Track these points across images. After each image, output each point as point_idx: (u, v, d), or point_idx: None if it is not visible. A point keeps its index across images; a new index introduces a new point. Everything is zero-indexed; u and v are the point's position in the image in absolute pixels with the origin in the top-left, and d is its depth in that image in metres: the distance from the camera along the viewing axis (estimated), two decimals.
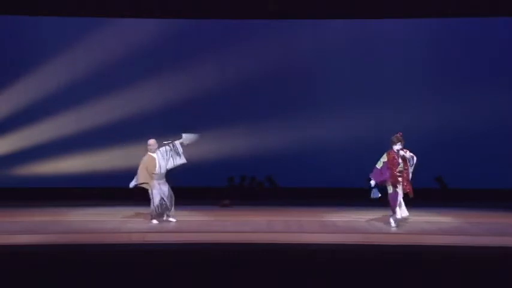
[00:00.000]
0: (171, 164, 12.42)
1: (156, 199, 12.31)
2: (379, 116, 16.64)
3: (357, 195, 16.04)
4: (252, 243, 10.84)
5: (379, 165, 11.78)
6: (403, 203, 11.83)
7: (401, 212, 11.85)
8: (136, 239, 11.12)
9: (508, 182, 16.20)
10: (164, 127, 16.17)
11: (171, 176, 12.61)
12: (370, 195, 11.99)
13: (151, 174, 12.28)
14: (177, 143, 12.44)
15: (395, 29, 17.10)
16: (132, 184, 12.43)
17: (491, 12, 16.22)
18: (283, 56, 16.97)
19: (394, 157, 11.67)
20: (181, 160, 12.46)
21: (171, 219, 12.47)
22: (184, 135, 12.52)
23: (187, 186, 15.12)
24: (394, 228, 11.76)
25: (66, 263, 9.30)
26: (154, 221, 12.35)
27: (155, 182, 12.29)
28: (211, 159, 16.48)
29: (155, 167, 12.29)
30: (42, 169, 16.88)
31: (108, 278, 8.44)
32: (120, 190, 16.04)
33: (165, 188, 12.39)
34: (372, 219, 12.86)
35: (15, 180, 16.85)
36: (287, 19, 16.91)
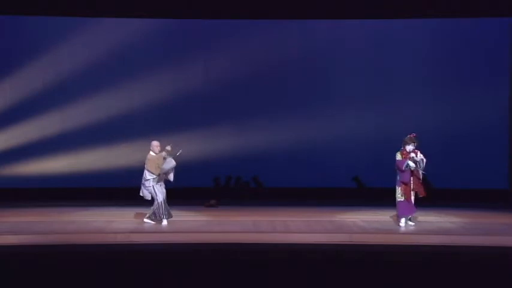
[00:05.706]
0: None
1: (160, 199, 12.31)
2: (367, 116, 16.66)
3: (343, 195, 16.14)
4: (238, 243, 10.84)
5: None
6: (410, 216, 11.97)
7: (406, 225, 11.95)
8: (121, 239, 11.08)
9: (501, 182, 16.36)
10: (149, 128, 16.15)
11: None
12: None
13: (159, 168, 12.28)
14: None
15: (389, 29, 17.06)
16: (149, 183, 12.32)
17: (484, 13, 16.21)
18: (269, 56, 16.92)
19: (406, 158, 11.68)
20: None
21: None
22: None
23: (174, 187, 15.10)
24: (403, 227, 11.83)
25: (51, 263, 9.25)
26: (165, 222, 12.34)
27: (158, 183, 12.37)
28: (197, 159, 16.44)
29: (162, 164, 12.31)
30: (27, 169, 16.76)
31: (93, 277, 8.40)
32: (105, 190, 16.08)
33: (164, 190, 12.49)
34: (358, 219, 12.88)
35: (0, 180, 16.75)
36: (274, 19, 16.87)
